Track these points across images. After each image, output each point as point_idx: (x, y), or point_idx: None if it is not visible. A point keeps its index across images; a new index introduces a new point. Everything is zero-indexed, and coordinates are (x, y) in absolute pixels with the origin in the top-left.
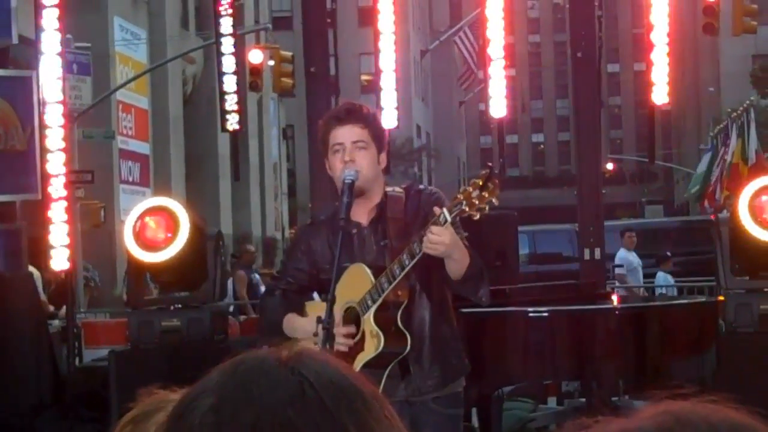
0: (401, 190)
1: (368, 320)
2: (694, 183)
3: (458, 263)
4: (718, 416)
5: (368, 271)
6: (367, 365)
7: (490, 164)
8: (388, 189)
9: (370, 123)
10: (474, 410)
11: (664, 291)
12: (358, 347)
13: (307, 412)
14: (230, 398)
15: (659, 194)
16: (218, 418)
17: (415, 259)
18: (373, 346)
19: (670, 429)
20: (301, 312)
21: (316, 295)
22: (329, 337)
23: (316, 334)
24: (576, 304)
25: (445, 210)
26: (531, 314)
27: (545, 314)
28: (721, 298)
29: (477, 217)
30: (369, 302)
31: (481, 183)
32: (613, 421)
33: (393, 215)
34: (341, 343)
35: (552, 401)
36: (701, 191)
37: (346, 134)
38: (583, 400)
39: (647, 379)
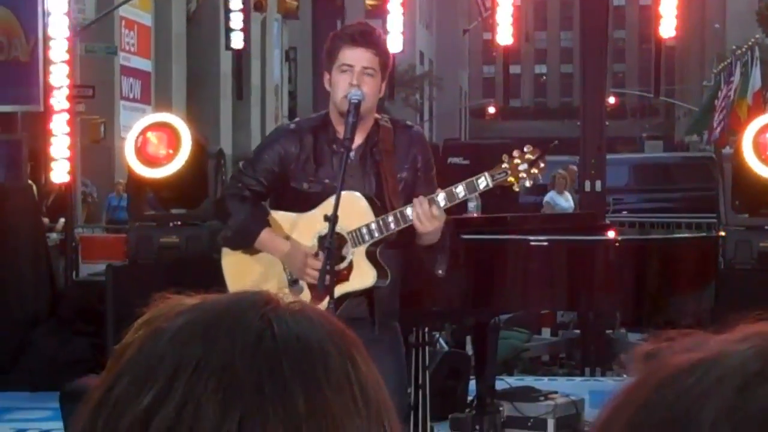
0: (388, 120)
1: (360, 252)
2: (695, 122)
3: (432, 239)
4: None
5: (366, 203)
6: (345, 295)
7: (554, 143)
8: (377, 116)
9: (382, 50)
10: (468, 338)
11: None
12: (341, 276)
13: (254, 364)
14: (190, 329)
15: (659, 130)
16: (170, 346)
17: (439, 210)
18: (364, 279)
19: None
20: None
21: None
22: (331, 256)
23: (316, 254)
24: (575, 234)
25: (487, 175)
26: (532, 242)
27: (545, 243)
28: (722, 234)
29: (517, 189)
30: (366, 235)
31: (533, 157)
32: (707, 339)
33: (384, 146)
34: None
35: (546, 332)
36: (701, 127)
37: (357, 57)
38: (578, 331)
39: (645, 313)
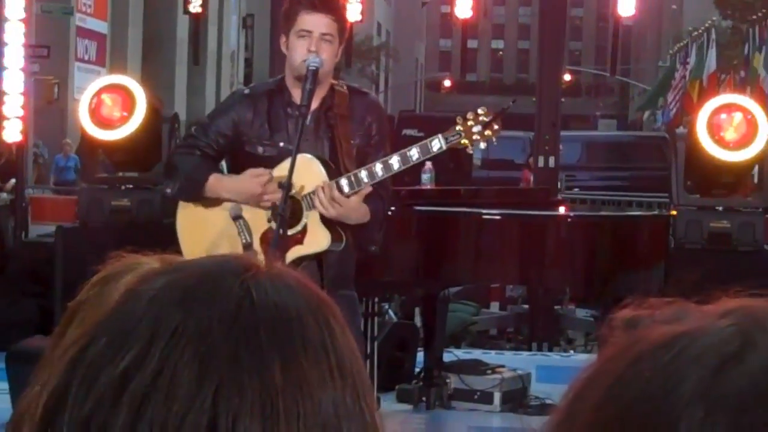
0: (344, 86)
1: (314, 215)
2: (647, 99)
3: (354, 220)
4: None
5: (321, 166)
6: (299, 258)
7: (509, 105)
8: (333, 82)
9: (340, 16)
10: (417, 310)
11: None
12: (295, 239)
13: (232, 333)
14: (169, 293)
15: (613, 108)
16: (148, 309)
17: (391, 173)
18: (318, 242)
19: (750, 334)
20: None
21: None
22: (283, 224)
23: (270, 221)
24: (528, 209)
25: (440, 137)
26: (484, 216)
27: (498, 217)
28: (674, 213)
29: (471, 151)
30: None
31: (486, 119)
32: (689, 312)
33: (340, 111)
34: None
35: (495, 306)
36: (653, 105)
37: (316, 23)
38: (527, 306)
39: (594, 290)
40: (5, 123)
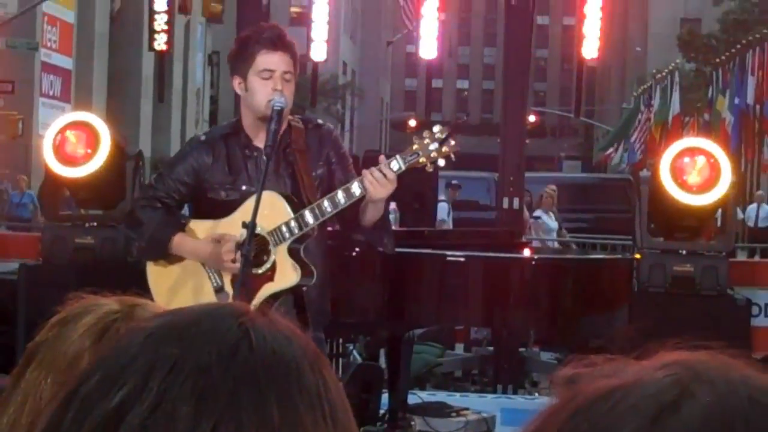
0: (299, 120)
1: (282, 251)
2: (608, 142)
3: (378, 211)
4: (739, 374)
5: (284, 201)
6: (272, 296)
7: (460, 120)
8: (290, 118)
9: (295, 54)
10: (382, 351)
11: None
12: (266, 277)
13: (230, 371)
14: (167, 330)
15: (578, 150)
16: (144, 345)
17: (352, 200)
18: (288, 278)
19: (686, 385)
20: (184, 232)
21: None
22: (248, 264)
23: (226, 265)
24: (493, 251)
25: (398, 157)
26: (449, 257)
27: (462, 258)
28: (638, 256)
29: (430, 169)
30: (286, 233)
31: (442, 136)
32: (624, 365)
33: (297, 146)
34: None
35: (460, 348)
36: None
37: (277, 62)
38: (491, 348)
39: (558, 332)
40: None
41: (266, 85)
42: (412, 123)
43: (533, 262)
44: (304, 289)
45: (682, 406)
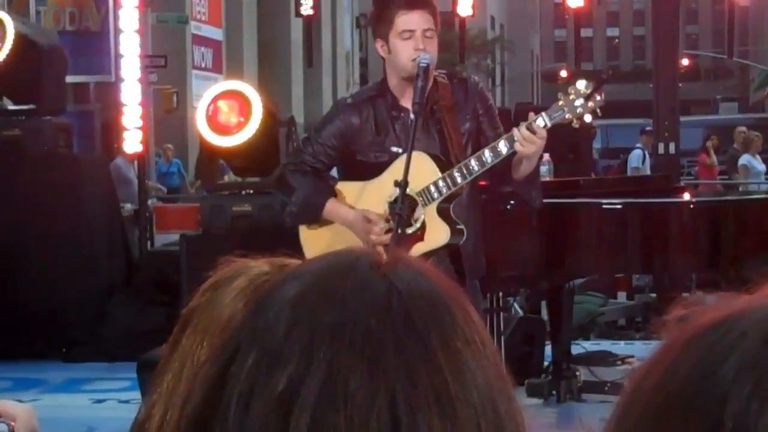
0: (444, 75)
1: (431, 211)
2: (764, 80)
3: (531, 165)
4: None
5: (431, 161)
6: (423, 255)
7: (606, 75)
8: (435, 73)
9: (435, 9)
10: (543, 303)
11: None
12: (416, 237)
13: (391, 323)
14: (312, 295)
15: (734, 91)
16: (295, 314)
17: (500, 159)
18: (438, 237)
19: None
20: (335, 197)
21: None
22: (401, 223)
23: (388, 220)
24: (649, 197)
25: (544, 115)
26: (605, 205)
27: (619, 206)
28: None
29: (576, 125)
30: (434, 193)
31: (588, 91)
32: (735, 299)
33: (444, 103)
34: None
35: (622, 296)
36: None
37: (417, 21)
38: (654, 295)
39: (721, 275)
40: (125, 134)
41: (408, 45)
42: (563, 74)
43: (691, 206)
44: (459, 244)
45: None
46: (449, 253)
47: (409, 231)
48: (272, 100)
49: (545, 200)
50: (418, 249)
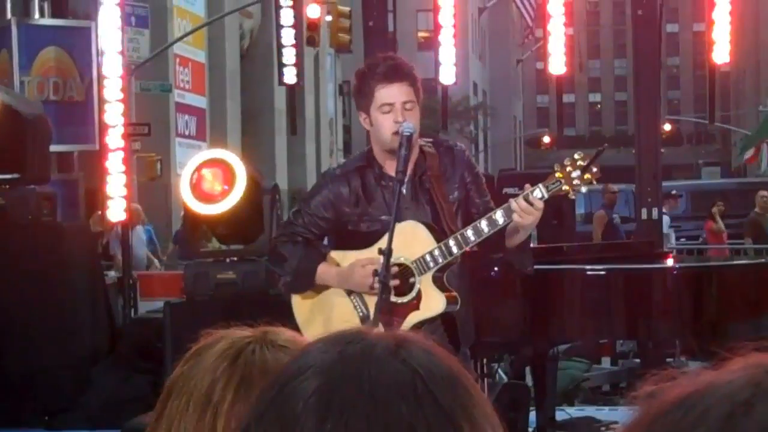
0: (430, 144)
1: (426, 280)
2: (746, 145)
3: (525, 234)
4: None
5: (426, 230)
6: (418, 324)
7: (604, 146)
8: (420, 142)
9: (415, 79)
10: (528, 369)
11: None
12: (411, 306)
13: (421, 409)
14: (339, 384)
15: (716, 156)
16: (327, 406)
17: (496, 229)
18: (434, 306)
19: (760, 384)
20: (326, 261)
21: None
22: (385, 290)
23: (372, 287)
24: (633, 263)
25: (541, 186)
26: (588, 272)
27: (602, 272)
28: None
29: (573, 196)
30: (430, 262)
31: (584, 164)
32: (702, 373)
33: (433, 173)
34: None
35: (606, 361)
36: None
37: (395, 94)
38: (638, 360)
39: (704, 340)
40: (109, 202)
41: (388, 119)
42: (546, 139)
43: (675, 272)
44: (454, 311)
45: (755, 405)
46: (443, 321)
47: (405, 300)
48: (256, 167)
49: None
50: (413, 317)
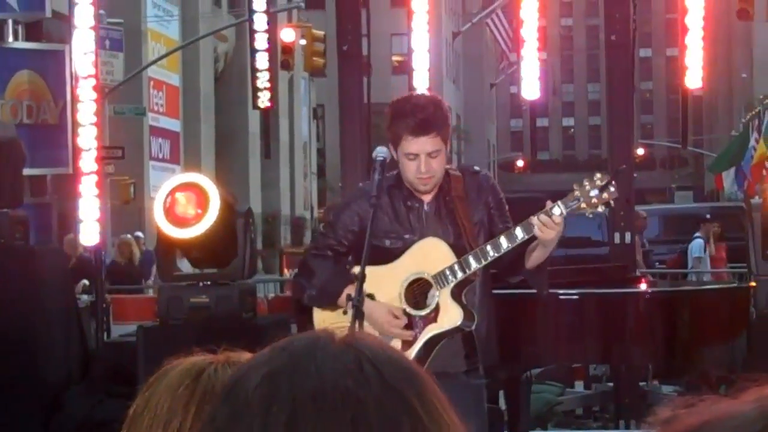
0: (456, 169)
1: (445, 294)
2: (718, 162)
3: (545, 253)
4: None
5: (446, 246)
6: (436, 337)
7: (623, 167)
8: (447, 167)
9: (441, 126)
10: (501, 393)
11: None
12: (429, 319)
13: (367, 384)
14: (285, 369)
15: (689, 180)
16: (272, 387)
17: (514, 244)
18: (450, 319)
19: None
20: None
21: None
22: (359, 314)
23: (345, 312)
24: (606, 287)
25: (560, 203)
26: (561, 296)
27: (575, 296)
28: (753, 284)
29: (590, 215)
30: (450, 277)
31: (602, 183)
32: (718, 402)
33: (457, 194)
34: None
35: (579, 385)
36: (723, 167)
37: (421, 146)
38: (611, 384)
39: (677, 364)
40: (81, 226)
41: (412, 166)
42: (520, 163)
43: (647, 296)
44: (473, 329)
45: None
46: (462, 337)
47: (423, 313)
48: (230, 191)
49: (501, 291)
50: (430, 330)
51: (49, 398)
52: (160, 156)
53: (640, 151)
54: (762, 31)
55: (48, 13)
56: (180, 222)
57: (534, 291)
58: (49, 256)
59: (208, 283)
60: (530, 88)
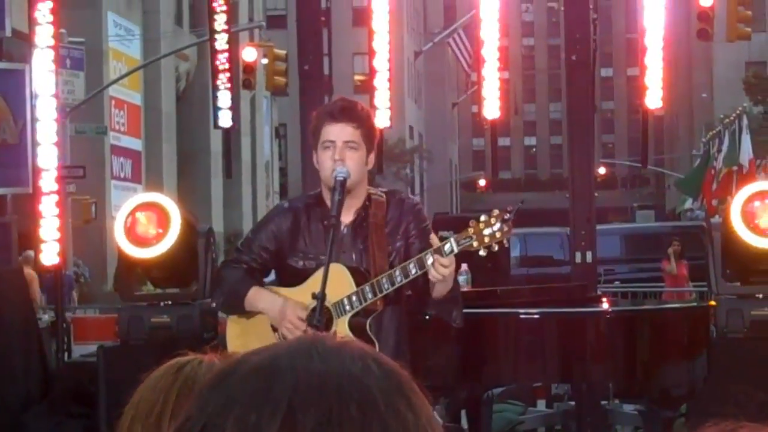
0: (382, 194)
1: (342, 323)
2: (687, 185)
3: (446, 286)
4: None
5: (349, 275)
6: None
7: (520, 204)
8: (372, 191)
9: (363, 123)
10: (463, 412)
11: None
12: None
13: (372, 373)
14: (287, 353)
15: (650, 199)
16: (274, 368)
17: (408, 279)
18: None
19: None
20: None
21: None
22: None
23: (295, 327)
24: (567, 306)
25: (452, 240)
26: (522, 315)
27: (536, 316)
28: (713, 303)
29: (483, 253)
30: (347, 306)
31: (496, 221)
32: (761, 430)
33: (375, 220)
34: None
35: (541, 404)
36: (689, 188)
37: (338, 132)
38: (573, 403)
39: (638, 383)
40: (42, 246)
41: (328, 155)
42: (482, 182)
43: (608, 315)
44: None
45: None
46: None
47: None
48: (191, 211)
49: (464, 310)
50: None
51: (8, 419)
52: (122, 175)
53: (602, 171)
54: (722, 51)
55: (8, 32)
56: (141, 242)
57: (494, 311)
58: (9, 276)
59: (169, 303)
60: (491, 108)
